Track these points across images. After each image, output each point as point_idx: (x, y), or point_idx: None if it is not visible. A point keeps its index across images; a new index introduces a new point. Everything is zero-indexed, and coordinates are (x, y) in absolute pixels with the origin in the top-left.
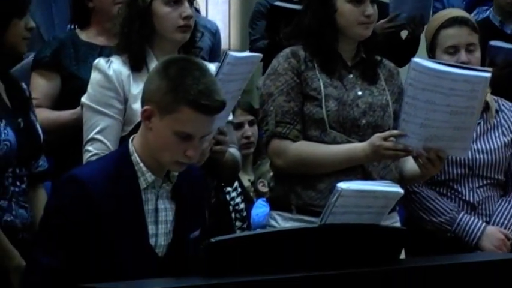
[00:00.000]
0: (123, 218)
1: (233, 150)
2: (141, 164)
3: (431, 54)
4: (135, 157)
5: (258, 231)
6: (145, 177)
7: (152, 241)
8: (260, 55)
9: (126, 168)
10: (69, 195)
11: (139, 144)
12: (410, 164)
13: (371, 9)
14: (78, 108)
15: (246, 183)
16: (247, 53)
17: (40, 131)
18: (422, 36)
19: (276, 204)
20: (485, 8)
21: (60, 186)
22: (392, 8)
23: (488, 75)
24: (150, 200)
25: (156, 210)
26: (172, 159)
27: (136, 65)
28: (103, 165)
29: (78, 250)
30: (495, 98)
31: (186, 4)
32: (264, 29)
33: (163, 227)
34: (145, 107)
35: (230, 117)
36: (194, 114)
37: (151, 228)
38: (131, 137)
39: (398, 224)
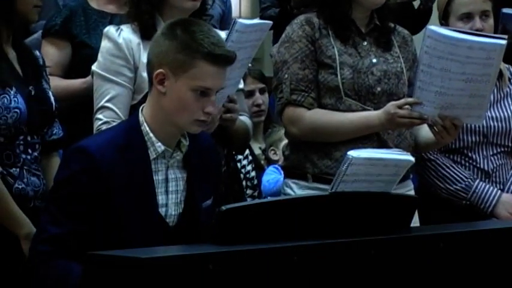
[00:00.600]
0: (132, 189)
1: (244, 118)
2: (151, 134)
3: (444, 22)
4: (145, 127)
5: (269, 199)
6: (155, 147)
7: (162, 211)
8: (270, 22)
9: (136, 138)
10: (77, 167)
11: (150, 113)
12: (425, 132)
13: None
14: (89, 77)
15: (257, 151)
16: (256, 21)
17: (53, 99)
18: (435, 6)
19: (292, 172)
20: None
21: (69, 157)
22: None
23: (504, 42)
24: (160, 170)
25: (167, 180)
26: (192, 118)
27: (146, 33)
28: (112, 136)
29: (87, 221)
30: (507, 66)
31: None
32: None
33: (173, 197)
34: (158, 71)
35: (241, 85)
36: (210, 66)
37: (161, 199)
38: (141, 107)
39: (412, 192)
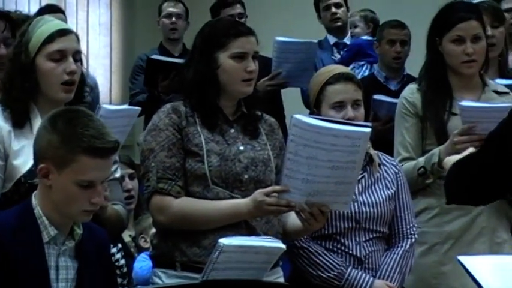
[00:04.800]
0: (26, 271)
1: (119, 207)
2: (44, 218)
3: (316, 110)
4: (38, 210)
5: None
6: (48, 230)
7: None
8: (138, 109)
9: (29, 220)
10: None
11: (40, 200)
12: (292, 219)
13: (253, 65)
14: None
15: (127, 239)
16: (123, 106)
17: None
18: None
19: (160, 261)
20: (362, 63)
21: None
22: (275, 65)
23: (368, 130)
24: (52, 255)
25: (57, 267)
26: (80, 209)
27: (18, 121)
28: (6, 218)
29: None
30: (376, 152)
31: (71, 59)
32: (143, 83)
33: (63, 285)
34: (41, 166)
35: (117, 174)
36: (92, 160)
37: (53, 286)
38: (33, 193)
39: (281, 279)
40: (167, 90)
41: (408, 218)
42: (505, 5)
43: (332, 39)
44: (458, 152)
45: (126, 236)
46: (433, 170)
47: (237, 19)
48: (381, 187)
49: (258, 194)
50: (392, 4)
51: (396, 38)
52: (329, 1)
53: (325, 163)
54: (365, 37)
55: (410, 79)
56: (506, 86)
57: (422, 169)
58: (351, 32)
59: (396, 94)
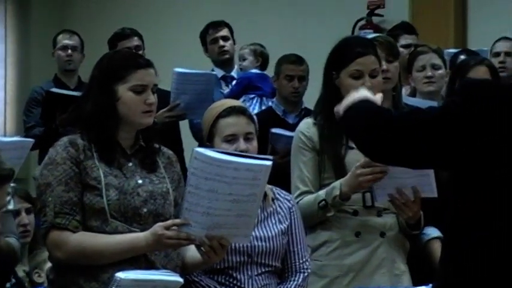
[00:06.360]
0: None
1: (11, 240)
2: None
3: (209, 143)
4: None
5: None
6: None
7: None
8: (31, 140)
9: None
10: None
11: None
12: (192, 252)
13: (153, 98)
14: None
15: (21, 274)
16: (15, 138)
17: None
18: None
19: None
20: (252, 96)
21: None
22: (173, 97)
23: (270, 163)
24: None
25: None
26: None
27: None
28: None
29: None
30: (270, 186)
31: None
32: (40, 116)
33: None
34: None
35: (10, 207)
36: None
37: None
38: None
39: None
40: (65, 123)
41: (301, 252)
42: (402, 41)
43: (220, 73)
44: (360, 185)
45: (20, 270)
46: (334, 203)
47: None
48: (274, 221)
49: (158, 227)
50: (289, 37)
51: (294, 74)
52: (216, 34)
53: (226, 196)
54: (254, 70)
55: (308, 112)
56: None
57: (323, 202)
58: (239, 65)
59: (294, 128)
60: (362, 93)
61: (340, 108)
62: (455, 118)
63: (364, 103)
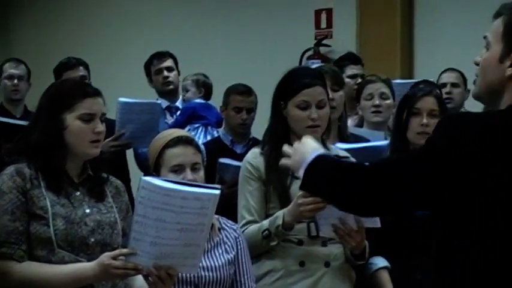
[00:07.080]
0: None
1: None
2: None
3: (156, 174)
4: None
5: None
6: None
7: None
8: None
9: None
10: None
11: None
12: (140, 282)
13: (101, 127)
14: None
15: None
16: None
17: None
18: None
19: None
20: (197, 125)
21: None
22: (119, 126)
23: (218, 192)
24: None
25: None
26: None
27: None
28: None
29: None
30: (216, 216)
31: None
32: None
33: None
34: None
35: None
36: None
37: None
38: None
39: None
40: (11, 152)
41: (248, 282)
42: (348, 72)
43: (164, 103)
44: (302, 215)
45: None
46: (278, 233)
47: None
48: (220, 251)
49: (105, 257)
50: (235, 66)
51: (242, 105)
52: (161, 65)
53: (174, 225)
54: (198, 100)
55: (256, 142)
56: (346, 150)
57: (266, 231)
58: (182, 96)
59: (242, 157)
60: (309, 145)
61: (295, 168)
62: (443, 155)
63: (324, 160)
